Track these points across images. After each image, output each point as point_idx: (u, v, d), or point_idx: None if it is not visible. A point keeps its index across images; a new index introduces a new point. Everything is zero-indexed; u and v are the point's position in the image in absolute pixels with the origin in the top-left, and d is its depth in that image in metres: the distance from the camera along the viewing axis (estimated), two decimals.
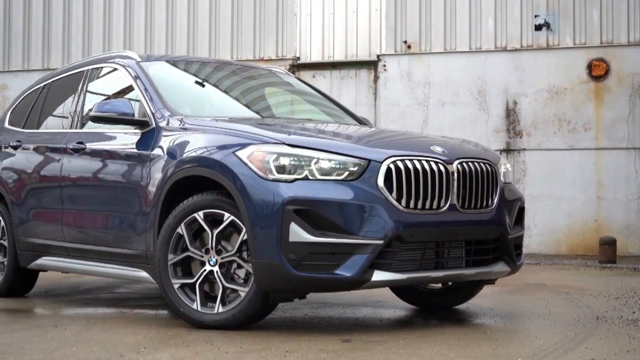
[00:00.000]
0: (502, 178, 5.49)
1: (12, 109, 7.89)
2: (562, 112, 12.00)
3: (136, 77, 6.15)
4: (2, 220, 7.21)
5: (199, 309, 5.06)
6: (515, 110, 12.18)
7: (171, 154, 5.40)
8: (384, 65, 12.69)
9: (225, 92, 6.74)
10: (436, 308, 6.16)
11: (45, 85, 7.51)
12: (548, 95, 12.07)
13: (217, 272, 5.04)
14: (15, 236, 7.01)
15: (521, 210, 5.72)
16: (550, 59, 12.11)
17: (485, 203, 5.25)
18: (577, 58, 12.02)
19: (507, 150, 12.14)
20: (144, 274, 5.60)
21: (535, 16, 12.18)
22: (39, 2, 14.24)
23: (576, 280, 8.55)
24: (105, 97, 6.58)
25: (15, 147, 7.24)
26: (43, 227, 6.72)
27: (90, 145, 6.24)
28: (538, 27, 12.16)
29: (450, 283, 5.93)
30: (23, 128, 7.44)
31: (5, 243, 7.14)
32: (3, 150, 7.41)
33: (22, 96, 7.85)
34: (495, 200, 5.33)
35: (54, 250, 6.61)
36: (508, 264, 5.43)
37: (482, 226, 5.23)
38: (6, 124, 7.76)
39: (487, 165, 5.31)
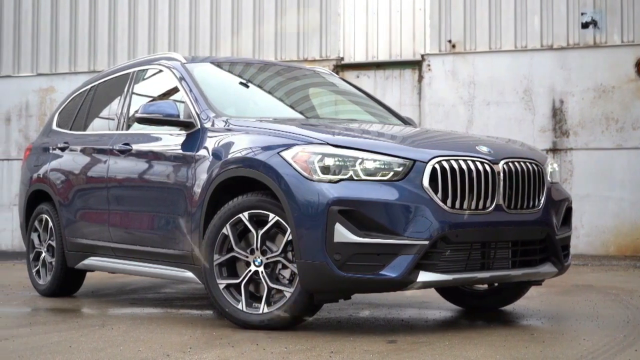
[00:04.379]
0: (549, 178, 5.43)
1: (59, 111, 7.99)
2: (610, 111, 11.84)
3: (181, 79, 6.19)
4: (50, 221, 7.30)
5: (244, 309, 5.08)
6: (562, 109, 12.04)
7: (216, 154, 5.42)
8: (429, 65, 12.63)
9: (270, 92, 6.76)
10: (482, 309, 6.11)
11: (91, 87, 7.59)
12: (595, 94, 11.92)
13: (262, 272, 5.05)
14: (62, 237, 7.10)
15: (568, 211, 5.65)
16: (597, 57, 11.96)
17: (531, 203, 5.19)
18: (624, 56, 11.85)
19: (554, 150, 12.01)
20: (189, 274, 5.64)
21: (582, 14, 12.03)
22: (85, 6, 14.40)
23: (625, 281, 8.43)
24: (151, 98, 6.63)
25: (62, 149, 7.32)
26: (90, 227, 6.79)
27: (136, 147, 6.29)
28: (585, 25, 12.01)
29: (496, 284, 5.88)
30: (70, 130, 7.53)
31: (54, 243, 7.23)
32: (51, 151, 7.50)
33: (69, 98, 7.94)
34: (542, 201, 5.27)
35: (101, 250, 6.67)
36: (555, 265, 5.36)
37: (529, 226, 5.17)
38: (54, 126, 7.86)
39: (533, 165, 5.26)
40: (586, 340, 4.71)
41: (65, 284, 7.27)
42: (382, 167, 4.81)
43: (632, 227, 11.70)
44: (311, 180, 4.80)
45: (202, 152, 5.56)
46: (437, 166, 4.83)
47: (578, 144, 11.96)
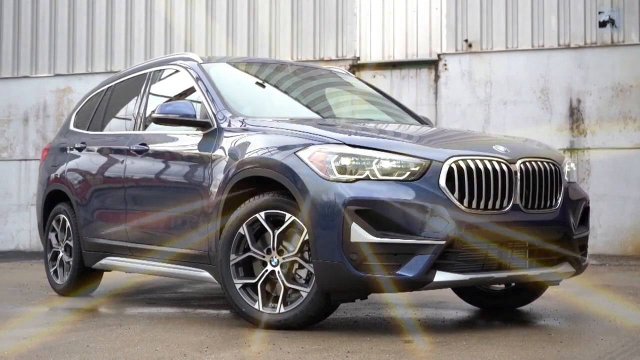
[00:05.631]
0: (566, 177, 5.41)
1: (76, 111, 8.02)
2: (628, 110, 11.78)
3: (198, 79, 6.20)
4: (67, 220, 7.32)
5: (261, 309, 5.08)
6: (579, 108, 11.99)
7: (233, 154, 5.43)
8: (445, 65, 12.60)
9: (286, 92, 6.76)
10: (499, 309, 6.10)
11: (108, 87, 7.62)
12: (613, 93, 11.86)
13: (278, 272, 5.05)
14: (80, 236, 7.12)
15: (586, 210, 5.62)
16: (615, 56, 11.90)
17: (549, 203, 5.17)
18: None
19: (571, 149, 11.96)
20: (206, 274, 5.64)
21: (599, 13, 11.97)
22: (101, 6, 14.46)
23: None
24: (168, 98, 6.64)
25: (80, 149, 7.35)
26: (107, 227, 6.81)
27: (152, 147, 6.31)
28: (602, 24, 11.95)
29: (513, 284, 5.86)
30: (87, 130, 7.56)
31: (71, 243, 7.26)
32: (68, 152, 7.53)
33: (86, 99, 7.97)
34: (559, 200, 5.25)
35: (118, 250, 6.69)
36: (573, 265, 5.34)
37: (546, 226, 5.15)
38: (71, 126, 7.89)
39: (550, 164, 5.24)
40: (604, 341, 4.69)
41: (83, 283, 7.30)
42: (399, 166, 4.80)
43: None
44: (327, 180, 4.80)
45: (219, 152, 5.57)
46: (453, 166, 4.82)
47: (595, 143, 11.90)
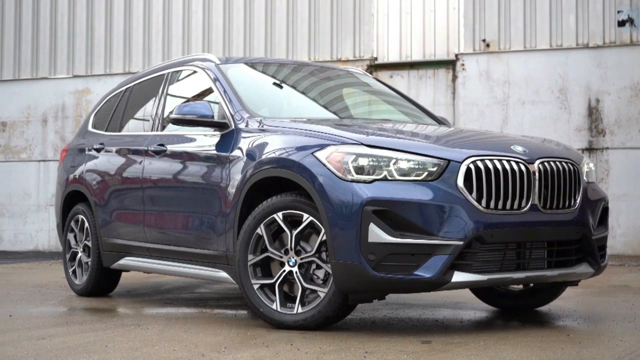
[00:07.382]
0: (584, 178, 5.38)
1: (95, 112, 8.05)
2: None
3: (215, 80, 6.21)
4: (86, 221, 7.36)
5: (279, 309, 5.09)
6: (598, 108, 11.93)
7: (250, 155, 5.44)
8: (463, 65, 12.57)
9: (303, 93, 6.77)
10: (517, 310, 6.08)
11: (126, 88, 7.64)
12: (632, 92, 11.79)
13: (296, 272, 5.06)
14: (98, 237, 7.15)
15: (605, 211, 5.60)
16: (634, 56, 11.82)
17: (567, 203, 5.15)
18: None
19: (590, 149, 11.90)
20: (223, 274, 5.66)
21: (618, 12, 11.90)
22: (119, 7, 14.51)
23: None
24: (185, 99, 6.66)
25: (98, 150, 7.38)
26: (125, 228, 6.84)
27: (170, 147, 6.32)
28: (621, 23, 11.88)
29: (531, 285, 5.84)
30: (106, 131, 7.59)
31: (89, 244, 7.29)
32: (87, 152, 7.57)
33: (105, 100, 8.00)
34: (578, 200, 5.23)
35: (136, 250, 6.72)
36: (591, 265, 5.32)
37: (565, 227, 5.13)
38: (89, 127, 7.92)
39: (569, 164, 5.22)
40: (623, 342, 4.67)
41: (101, 283, 7.33)
42: (416, 167, 4.79)
43: None
44: (345, 180, 4.80)
45: (236, 152, 5.58)
46: (471, 166, 4.81)
47: (614, 143, 11.84)
